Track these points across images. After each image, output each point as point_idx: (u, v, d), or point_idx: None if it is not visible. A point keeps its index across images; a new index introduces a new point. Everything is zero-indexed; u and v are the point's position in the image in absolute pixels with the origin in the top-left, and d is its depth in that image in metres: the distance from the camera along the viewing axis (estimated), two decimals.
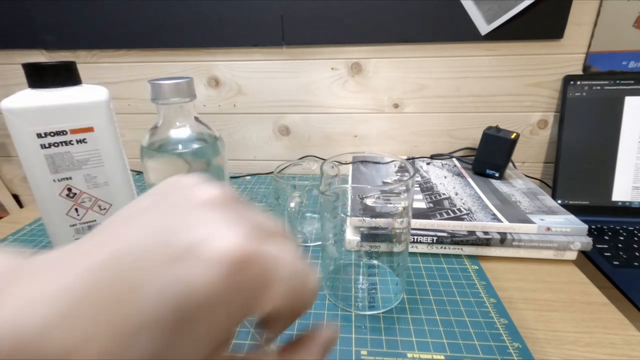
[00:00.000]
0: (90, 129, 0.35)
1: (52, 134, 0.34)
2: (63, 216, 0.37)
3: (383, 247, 0.35)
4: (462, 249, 0.42)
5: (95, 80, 0.68)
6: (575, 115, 0.57)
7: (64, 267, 0.10)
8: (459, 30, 0.58)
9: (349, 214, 0.42)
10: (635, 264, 0.44)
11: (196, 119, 0.31)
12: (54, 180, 0.35)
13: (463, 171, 0.58)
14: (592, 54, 0.58)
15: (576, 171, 0.57)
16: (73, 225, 0.38)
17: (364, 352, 0.29)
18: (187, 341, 0.10)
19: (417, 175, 0.56)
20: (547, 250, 0.41)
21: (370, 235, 0.40)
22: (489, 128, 0.56)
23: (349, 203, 0.44)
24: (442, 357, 0.28)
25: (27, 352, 0.08)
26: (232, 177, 0.69)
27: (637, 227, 0.52)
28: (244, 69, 0.65)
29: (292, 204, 0.38)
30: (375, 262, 0.38)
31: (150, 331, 0.09)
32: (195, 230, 0.11)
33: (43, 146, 0.34)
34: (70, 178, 0.36)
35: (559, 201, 0.57)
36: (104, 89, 0.37)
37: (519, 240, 0.40)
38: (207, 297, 0.10)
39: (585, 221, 0.41)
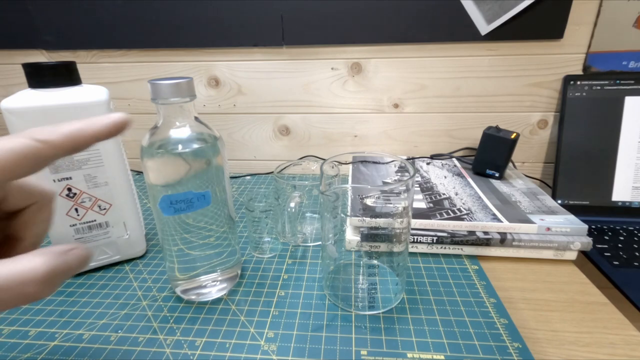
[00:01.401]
0: None
1: None
2: (63, 216, 0.37)
3: (383, 247, 0.35)
4: (462, 249, 0.42)
5: (95, 80, 0.68)
6: (575, 115, 0.57)
7: None
8: (459, 30, 0.58)
9: (349, 214, 0.42)
10: (635, 264, 0.44)
11: (196, 119, 0.31)
12: (54, 180, 0.35)
13: (463, 171, 0.58)
14: (592, 54, 0.58)
15: (576, 171, 0.57)
16: (73, 225, 0.38)
17: (364, 352, 0.29)
18: None
19: (417, 175, 0.56)
20: (547, 250, 0.41)
21: (370, 235, 0.40)
22: (489, 128, 0.56)
23: (349, 203, 0.44)
24: (442, 357, 0.28)
25: None
26: (232, 177, 0.69)
27: (637, 227, 0.52)
28: (244, 69, 0.65)
29: (292, 204, 0.38)
30: (375, 262, 0.38)
31: None
32: None
33: None
34: (70, 178, 0.36)
35: (559, 201, 0.57)
36: (104, 89, 0.37)
37: (519, 240, 0.40)
38: None
39: (585, 221, 0.41)
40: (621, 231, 0.51)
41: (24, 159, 0.16)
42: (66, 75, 0.35)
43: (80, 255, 0.19)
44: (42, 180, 0.35)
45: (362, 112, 0.67)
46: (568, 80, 0.58)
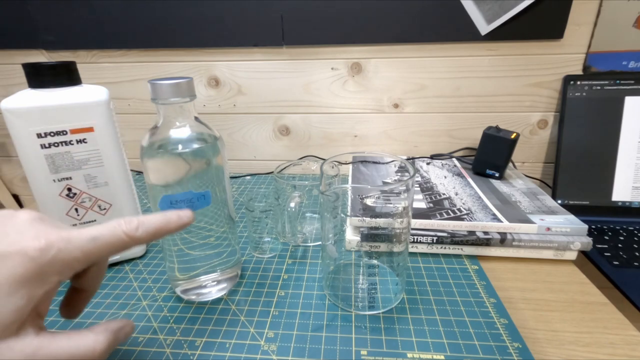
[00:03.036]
0: (90, 129, 0.36)
1: (52, 134, 0.34)
2: (63, 216, 0.37)
3: (383, 247, 0.35)
4: (462, 249, 0.42)
5: (95, 80, 0.68)
6: (575, 115, 0.57)
7: None
8: (459, 30, 0.58)
9: (349, 214, 0.42)
10: (635, 264, 0.44)
11: (196, 119, 0.31)
12: (54, 180, 0.35)
13: (463, 171, 0.58)
14: (592, 54, 0.58)
15: (576, 171, 0.57)
16: (73, 225, 0.38)
17: (364, 352, 0.29)
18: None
19: (417, 175, 0.56)
20: (547, 250, 0.41)
21: (370, 235, 0.40)
22: (489, 128, 0.56)
23: (349, 203, 0.44)
24: (442, 357, 0.28)
25: None
26: (232, 177, 0.69)
27: (637, 227, 0.52)
28: (244, 69, 0.65)
29: (292, 204, 0.38)
30: (375, 262, 0.38)
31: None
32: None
33: (43, 146, 0.34)
34: (70, 178, 0.36)
35: (559, 201, 0.57)
36: (104, 89, 0.37)
37: (519, 240, 0.40)
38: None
39: (585, 221, 0.41)
40: (621, 231, 0.51)
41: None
42: (66, 75, 0.35)
43: (129, 333, 0.25)
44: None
45: (362, 112, 0.67)
46: (568, 80, 0.58)
